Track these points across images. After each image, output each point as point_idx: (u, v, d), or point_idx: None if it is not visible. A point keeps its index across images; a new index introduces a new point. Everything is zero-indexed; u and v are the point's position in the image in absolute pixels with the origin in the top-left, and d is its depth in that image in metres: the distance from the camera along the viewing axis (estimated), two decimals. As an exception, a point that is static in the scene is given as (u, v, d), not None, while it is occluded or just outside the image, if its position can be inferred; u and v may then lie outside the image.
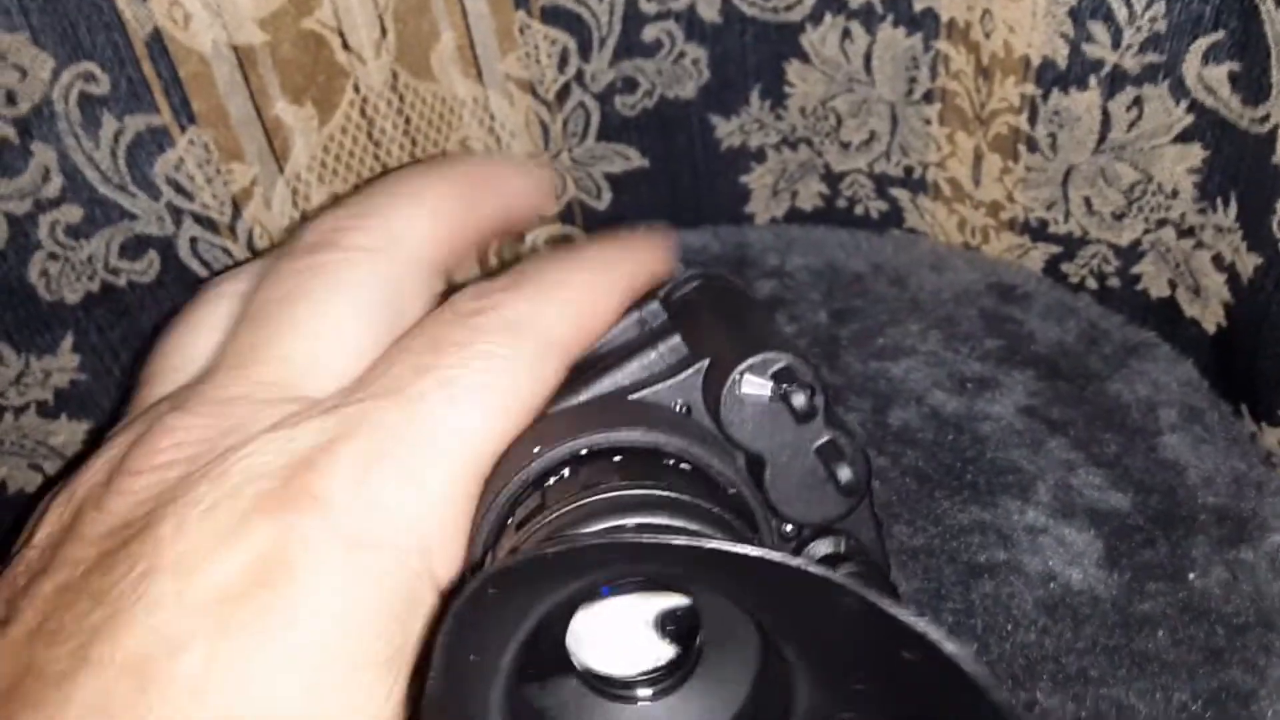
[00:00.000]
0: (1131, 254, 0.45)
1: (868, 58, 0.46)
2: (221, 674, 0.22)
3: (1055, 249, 0.47)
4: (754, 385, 0.27)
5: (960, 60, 0.45)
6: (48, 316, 0.40)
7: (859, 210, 0.51)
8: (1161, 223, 0.43)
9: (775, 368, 0.26)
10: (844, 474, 0.26)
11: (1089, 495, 0.36)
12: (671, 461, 0.25)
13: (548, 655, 0.25)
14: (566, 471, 0.25)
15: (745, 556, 0.18)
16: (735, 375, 0.26)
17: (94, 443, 0.43)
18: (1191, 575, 0.34)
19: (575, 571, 0.21)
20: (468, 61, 0.44)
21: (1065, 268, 0.47)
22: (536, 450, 0.25)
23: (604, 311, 0.29)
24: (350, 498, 0.24)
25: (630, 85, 0.47)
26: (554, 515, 0.23)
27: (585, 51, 0.45)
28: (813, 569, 0.18)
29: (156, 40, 0.37)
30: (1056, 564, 0.34)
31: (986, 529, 0.35)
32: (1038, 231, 0.47)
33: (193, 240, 0.41)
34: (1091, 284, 0.47)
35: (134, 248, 0.40)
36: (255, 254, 0.43)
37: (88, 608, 0.23)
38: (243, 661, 0.22)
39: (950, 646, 0.17)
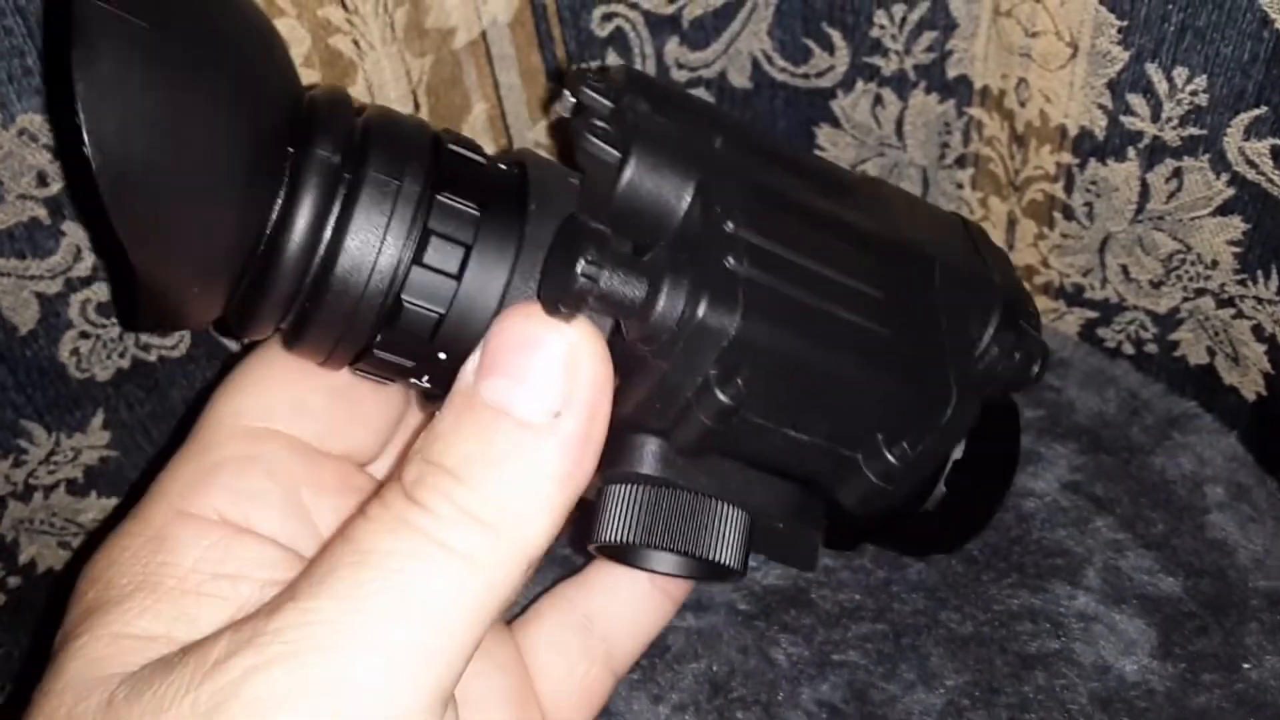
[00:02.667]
0: (1169, 321, 0.45)
1: (899, 123, 0.46)
2: None
3: (1091, 314, 0.47)
4: None
5: (994, 127, 0.44)
6: (78, 394, 0.39)
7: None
8: (1200, 292, 0.43)
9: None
10: None
11: (1139, 580, 0.36)
12: None
13: None
14: None
15: None
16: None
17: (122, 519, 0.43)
18: (1246, 665, 0.33)
19: None
20: (498, 130, 0.44)
21: (1101, 332, 0.47)
22: None
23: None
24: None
25: (661, 151, 0.46)
26: None
27: (616, 119, 0.45)
28: None
29: (191, 120, 0.36)
30: (1109, 654, 0.33)
31: (1037, 616, 0.34)
32: (1073, 297, 0.47)
33: (222, 314, 0.41)
34: (1128, 349, 0.47)
35: (164, 324, 0.40)
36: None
37: None
38: None
39: None
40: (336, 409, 0.32)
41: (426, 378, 0.29)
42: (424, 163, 0.27)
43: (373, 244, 0.26)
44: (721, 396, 0.25)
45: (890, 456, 0.27)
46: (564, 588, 0.36)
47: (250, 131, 0.25)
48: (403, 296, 0.27)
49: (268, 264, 0.26)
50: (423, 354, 0.28)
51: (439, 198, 0.27)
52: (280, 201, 0.26)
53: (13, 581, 0.42)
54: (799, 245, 0.27)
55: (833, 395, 0.27)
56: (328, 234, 0.26)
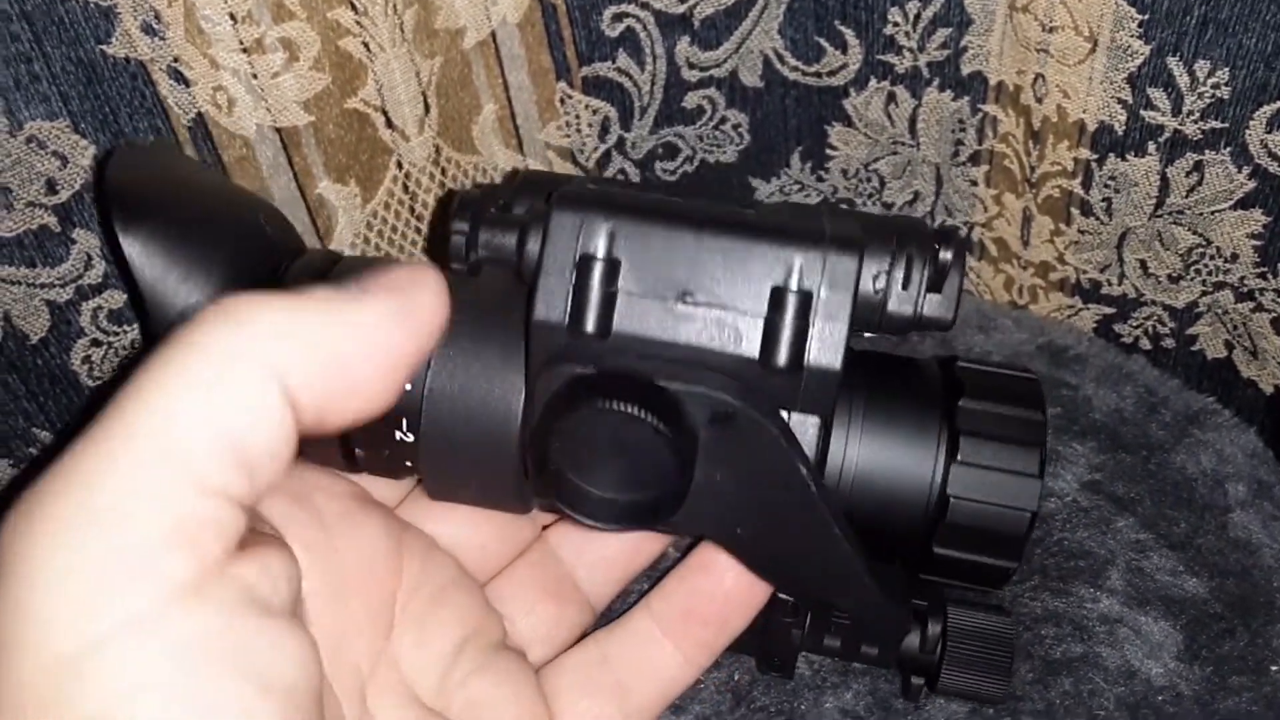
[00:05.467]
0: (1187, 316, 0.44)
1: (912, 121, 0.45)
2: None
3: (1108, 310, 0.46)
4: None
5: (1009, 123, 0.44)
6: (90, 403, 0.39)
7: (903, 269, 0.50)
8: (1219, 285, 0.42)
9: None
10: None
11: (1163, 581, 0.35)
12: None
13: None
14: None
15: None
16: None
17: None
18: (1274, 668, 0.33)
19: None
20: (508, 132, 0.44)
21: (1118, 328, 0.47)
22: None
23: None
24: None
25: (671, 151, 0.46)
26: None
27: (626, 120, 0.44)
28: None
29: (200, 125, 0.36)
30: (1135, 658, 0.33)
31: (1061, 619, 0.34)
32: (1089, 293, 0.46)
33: (233, 319, 0.40)
34: (1145, 344, 0.46)
35: (175, 330, 0.40)
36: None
37: None
38: None
39: None
40: None
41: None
42: None
43: None
44: None
45: None
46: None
47: None
48: None
49: None
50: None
51: None
52: None
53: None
54: None
55: None
56: None
